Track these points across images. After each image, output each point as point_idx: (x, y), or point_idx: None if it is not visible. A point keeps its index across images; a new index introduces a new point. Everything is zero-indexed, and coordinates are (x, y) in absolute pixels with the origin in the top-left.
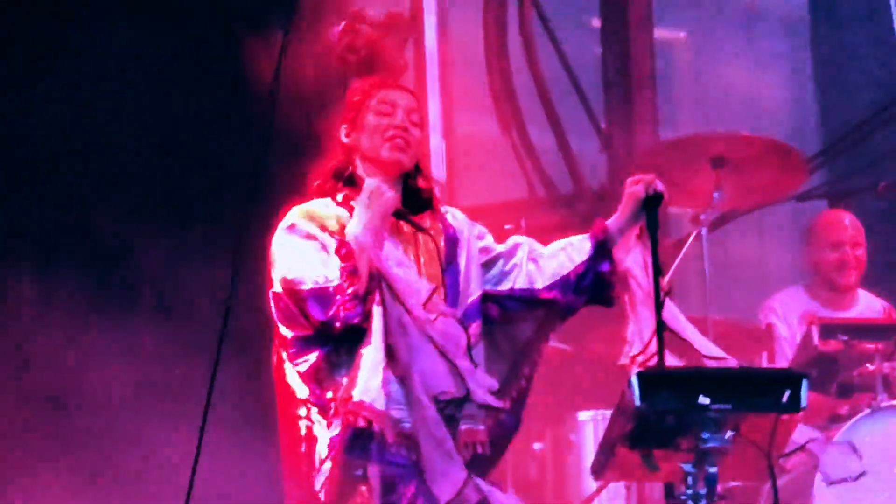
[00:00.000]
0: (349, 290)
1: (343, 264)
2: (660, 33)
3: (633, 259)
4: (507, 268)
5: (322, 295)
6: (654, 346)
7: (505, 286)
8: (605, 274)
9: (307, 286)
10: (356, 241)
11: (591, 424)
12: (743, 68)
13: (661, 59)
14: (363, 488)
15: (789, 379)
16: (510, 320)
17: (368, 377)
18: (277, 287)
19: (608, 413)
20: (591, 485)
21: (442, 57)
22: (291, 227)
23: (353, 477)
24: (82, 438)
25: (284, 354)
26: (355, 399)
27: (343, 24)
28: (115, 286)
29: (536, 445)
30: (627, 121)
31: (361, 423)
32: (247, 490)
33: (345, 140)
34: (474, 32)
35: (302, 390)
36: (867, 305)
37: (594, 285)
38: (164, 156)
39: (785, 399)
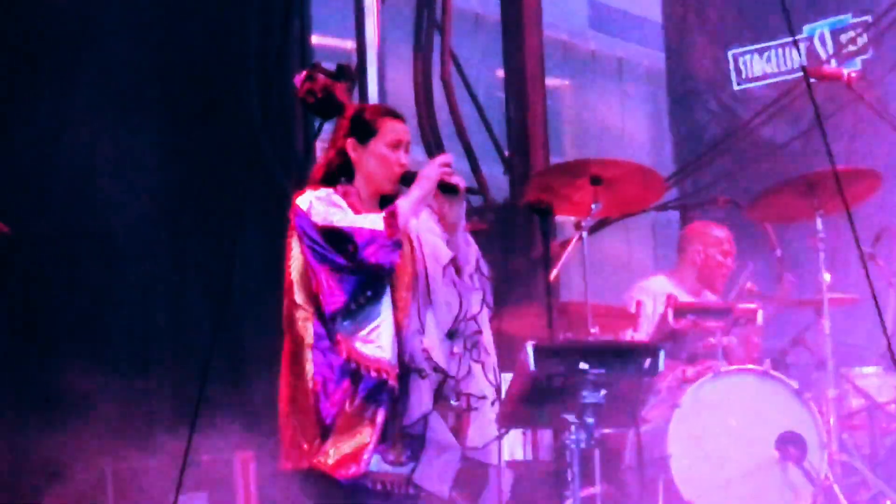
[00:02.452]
0: (390, 237)
1: (386, 216)
2: (549, 81)
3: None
4: None
5: (366, 237)
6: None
7: None
8: None
9: (352, 227)
10: (401, 208)
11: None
12: (614, 109)
13: (551, 102)
14: (368, 429)
15: (649, 350)
16: None
17: (390, 340)
18: (314, 232)
19: (509, 376)
20: (494, 431)
21: (381, 99)
22: (325, 198)
23: (363, 417)
24: None
25: (300, 300)
26: (385, 359)
27: (304, 72)
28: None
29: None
30: (524, 149)
31: (392, 382)
32: None
33: (351, 154)
34: (406, 80)
35: (309, 335)
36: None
37: None
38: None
39: (646, 365)
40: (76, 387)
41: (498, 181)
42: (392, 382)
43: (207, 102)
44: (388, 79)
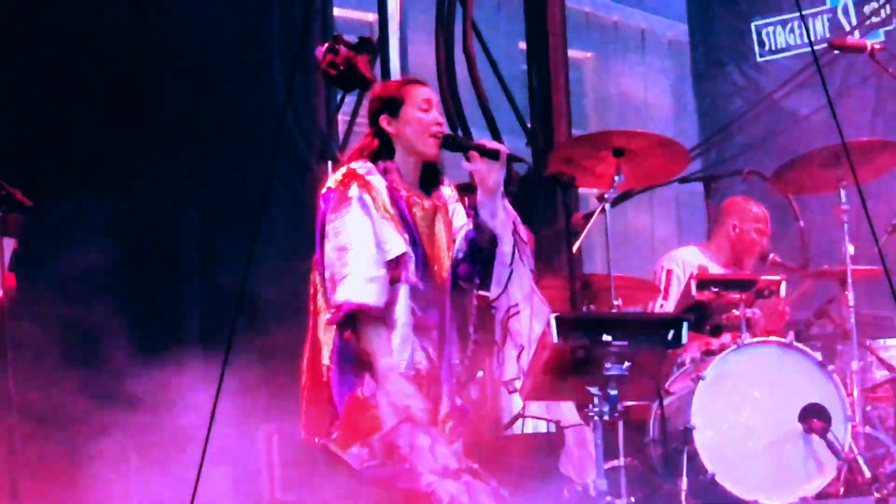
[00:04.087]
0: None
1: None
2: (572, 53)
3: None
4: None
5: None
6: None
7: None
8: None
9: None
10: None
11: None
12: (637, 80)
13: (573, 73)
14: (372, 414)
15: (673, 322)
16: None
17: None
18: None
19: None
20: (519, 404)
21: (403, 72)
22: (352, 200)
23: (370, 405)
24: None
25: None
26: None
27: (326, 44)
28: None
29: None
30: (547, 121)
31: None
32: None
33: (388, 129)
34: (428, 52)
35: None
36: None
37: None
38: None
39: (670, 337)
40: (102, 360)
41: (520, 153)
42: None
43: (231, 76)
44: (409, 51)
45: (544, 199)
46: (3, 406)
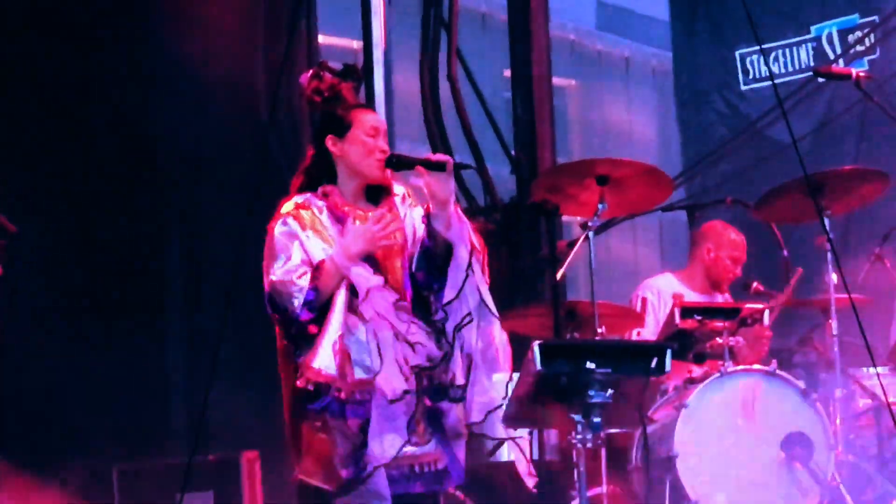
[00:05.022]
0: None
1: (313, 276)
2: (556, 81)
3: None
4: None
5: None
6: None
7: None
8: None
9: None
10: (333, 262)
11: (503, 384)
12: (621, 108)
13: (558, 101)
14: (323, 436)
15: (656, 349)
16: None
17: (325, 348)
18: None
19: (516, 375)
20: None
21: (387, 99)
22: (285, 232)
23: (314, 426)
24: None
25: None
26: (314, 367)
27: (311, 71)
28: None
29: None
30: (531, 149)
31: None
32: None
33: (332, 149)
34: (412, 79)
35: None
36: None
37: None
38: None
39: (653, 365)
40: (84, 385)
41: (504, 181)
42: (333, 388)
43: (215, 102)
44: (394, 78)
45: (528, 227)
46: None
